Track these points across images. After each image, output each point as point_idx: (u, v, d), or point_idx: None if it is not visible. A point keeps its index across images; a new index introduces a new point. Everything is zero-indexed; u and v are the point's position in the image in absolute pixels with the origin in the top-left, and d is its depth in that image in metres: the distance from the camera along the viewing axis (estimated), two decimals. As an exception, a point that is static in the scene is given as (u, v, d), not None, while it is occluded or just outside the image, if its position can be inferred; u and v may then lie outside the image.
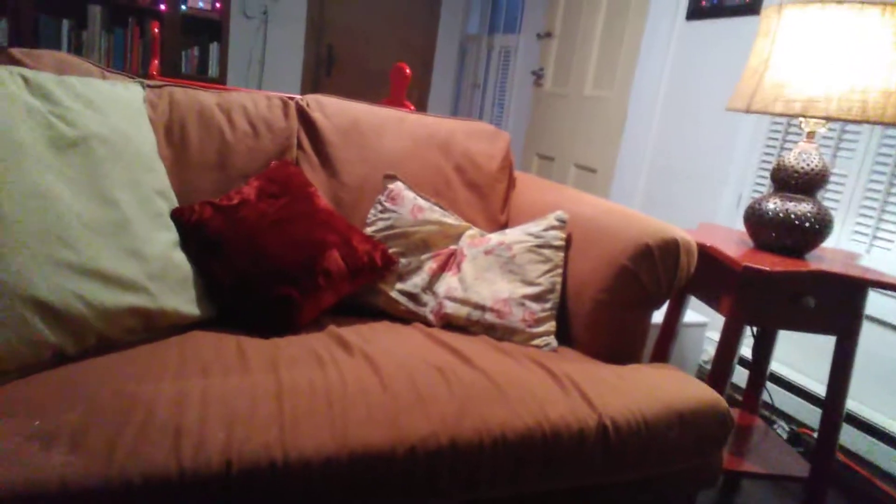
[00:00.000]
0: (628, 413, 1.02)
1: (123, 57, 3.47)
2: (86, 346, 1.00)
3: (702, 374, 2.23)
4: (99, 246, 1.03)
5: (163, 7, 3.44)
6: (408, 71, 1.92)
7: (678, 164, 2.57)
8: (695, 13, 2.53)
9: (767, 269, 1.28)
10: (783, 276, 1.35)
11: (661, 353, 1.68)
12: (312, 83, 4.39)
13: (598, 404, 1.02)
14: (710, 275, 1.49)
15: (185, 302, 1.16)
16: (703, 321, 2.05)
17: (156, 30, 2.45)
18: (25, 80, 1.06)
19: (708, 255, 1.48)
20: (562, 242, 1.41)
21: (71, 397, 0.85)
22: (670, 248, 1.25)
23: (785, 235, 1.42)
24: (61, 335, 0.95)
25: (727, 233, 1.69)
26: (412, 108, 1.94)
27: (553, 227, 1.42)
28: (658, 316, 1.90)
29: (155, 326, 1.11)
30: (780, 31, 1.40)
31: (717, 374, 1.39)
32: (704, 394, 1.11)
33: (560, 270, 1.39)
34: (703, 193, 2.43)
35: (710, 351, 2.27)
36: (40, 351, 0.93)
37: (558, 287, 1.37)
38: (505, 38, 4.21)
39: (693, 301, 2.39)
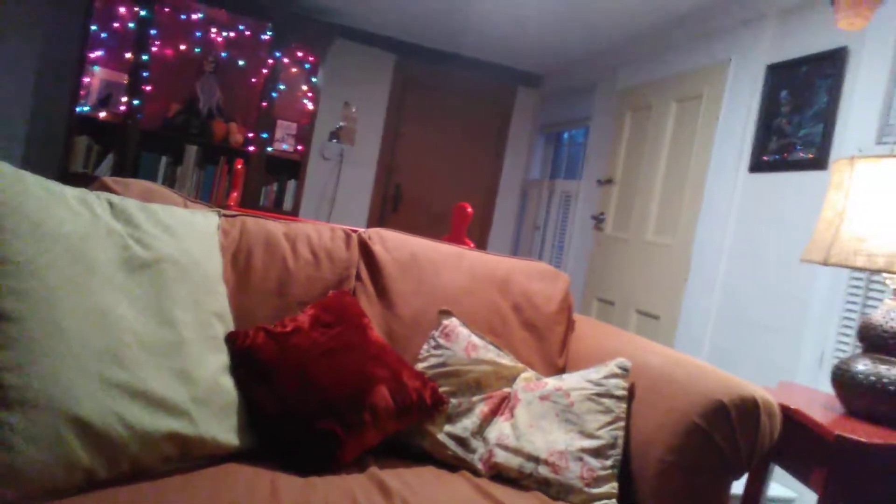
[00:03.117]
0: None
1: (210, 190, 3.78)
2: (118, 472, 0.96)
3: (789, 559, 1.93)
4: (151, 367, 1.02)
5: (251, 148, 3.79)
6: (469, 209, 1.97)
7: (749, 313, 2.45)
8: (757, 166, 2.54)
9: (864, 440, 1.13)
10: (882, 450, 1.18)
11: (742, 530, 1.47)
12: (379, 219, 4.60)
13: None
14: (797, 443, 1.33)
15: (225, 430, 1.12)
16: (790, 496, 1.81)
17: (239, 166, 2.67)
18: (111, 204, 1.13)
19: (793, 420, 1.33)
20: (624, 392, 1.30)
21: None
22: (749, 408, 1.13)
23: (879, 402, 1.27)
24: (96, 457, 0.91)
25: (811, 394, 1.54)
26: (472, 245, 1.96)
27: (615, 375, 1.33)
28: (738, 487, 1.70)
29: (191, 455, 1.07)
30: (853, 184, 1.36)
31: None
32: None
33: (622, 423, 1.27)
34: (779, 348, 2.27)
35: (797, 530, 1.98)
36: (72, 473, 0.89)
37: (620, 442, 1.25)
38: (566, 184, 4.34)
39: (778, 472, 2.14)
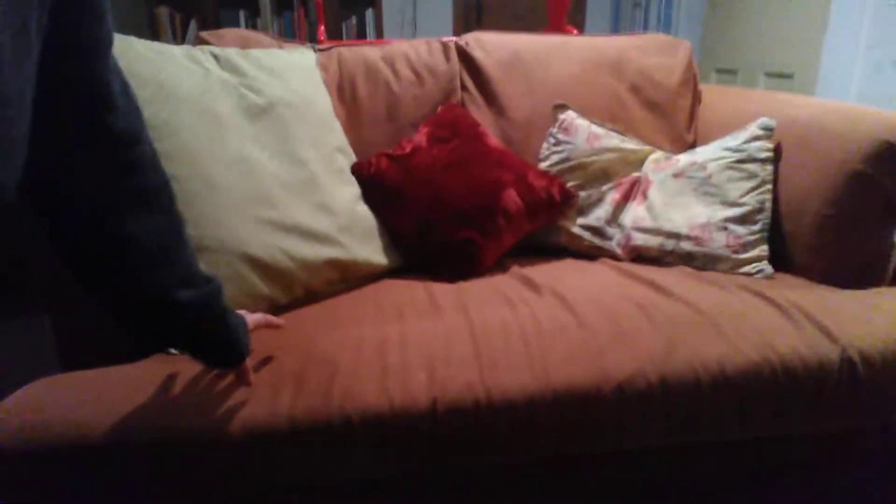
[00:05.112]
0: (881, 345, 0.85)
1: (293, 35, 3.72)
2: (294, 297, 1.08)
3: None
4: (295, 204, 1.09)
5: (319, -18, 3.59)
6: (566, -8, 1.77)
7: (907, 50, 2.10)
8: None
9: None
10: None
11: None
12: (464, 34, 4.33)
13: (839, 335, 0.86)
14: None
15: (373, 252, 1.20)
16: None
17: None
18: (216, 57, 1.14)
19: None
20: (769, 154, 1.21)
21: (289, 345, 0.91)
22: (922, 144, 1.00)
23: None
24: (273, 287, 1.03)
25: None
26: (575, 31, 1.79)
27: (756, 138, 1.23)
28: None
29: (350, 277, 1.17)
30: None
31: None
32: (984, 318, 0.89)
33: (769, 187, 1.20)
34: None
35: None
36: (258, 303, 1.02)
37: (768, 206, 1.19)
38: (667, -56, 3.75)
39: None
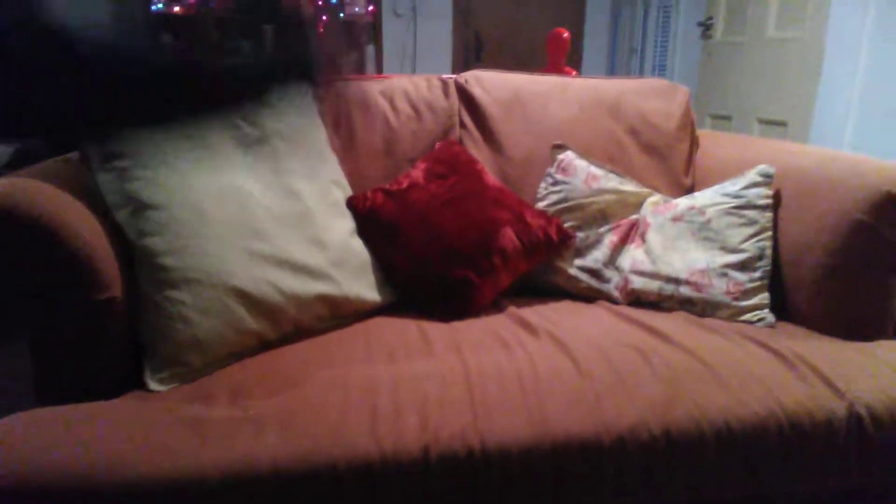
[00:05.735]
0: (888, 400, 0.82)
1: (292, 68, 3.76)
2: (284, 333, 1.04)
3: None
4: (287, 236, 1.06)
5: (324, 17, 3.65)
6: (566, 34, 1.79)
7: (899, 102, 2.14)
8: (913, -84, 2.07)
9: None
10: None
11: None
12: (463, 71, 4.39)
13: (846, 390, 0.83)
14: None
15: (366, 288, 1.17)
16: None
17: (321, 29, 2.59)
18: (213, 85, 1.13)
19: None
20: (768, 201, 1.20)
21: (275, 382, 0.87)
22: (924, 195, 1.00)
23: None
24: (262, 322, 0.99)
25: None
26: (574, 73, 1.81)
27: (756, 185, 1.22)
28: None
29: (341, 313, 1.13)
30: None
31: None
32: None
33: (769, 234, 1.18)
34: (939, 134, 1.99)
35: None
36: (245, 337, 0.98)
37: (768, 253, 1.17)
38: (663, -7, 3.85)
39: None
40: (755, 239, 1.18)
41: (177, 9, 3.53)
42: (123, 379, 0.90)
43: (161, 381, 0.90)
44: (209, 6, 3.50)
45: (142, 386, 0.90)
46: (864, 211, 1.02)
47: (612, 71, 4.58)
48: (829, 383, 0.85)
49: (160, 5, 3.51)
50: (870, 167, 1.07)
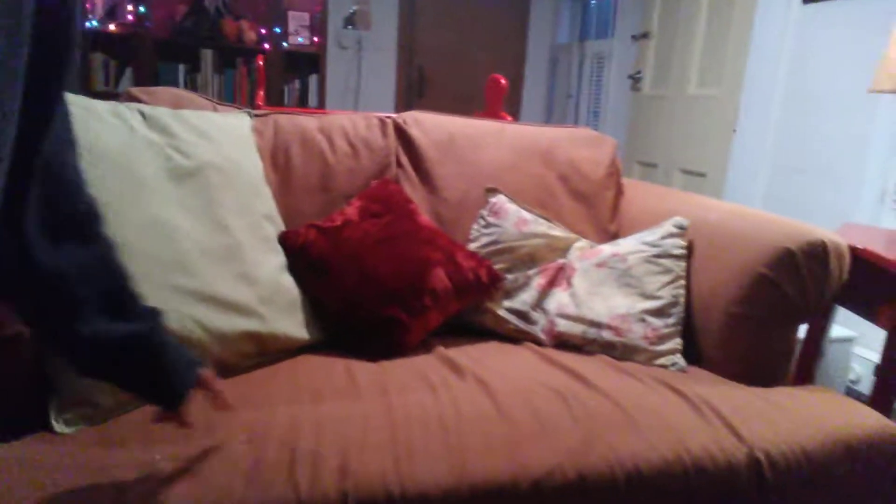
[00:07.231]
0: (784, 445, 0.88)
1: (233, 94, 3.69)
2: (204, 372, 1.01)
3: (851, 397, 1.97)
4: (215, 272, 1.04)
5: (266, 46, 3.63)
6: (503, 81, 1.87)
7: (805, 161, 2.33)
8: (814, -5, 2.30)
9: (941, 272, 1.09)
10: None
11: (805, 373, 1.49)
12: (406, 106, 4.46)
13: (747, 435, 0.89)
14: (863, 282, 1.30)
15: (294, 325, 1.16)
16: (849, 335, 1.81)
17: (261, 62, 2.57)
18: (143, 115, 1.11)
19: (860, 259, 1.29)
20: (682, 251, 1.28)
21: (189, 427, 0.84)
22: (817, 253, 1.09)
23: (956, 233, 1.22)
24: (181, 361, 0.96)
25: (876, 233, 1.48)
26: (510, 118, 1.88)
27: (671, 235, 1.30)
28: (800, 330, 1.70)
29: (267, 351, 1.11)
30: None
31: (880, 396, 1.20)
32: (874, 421, 0.95)
33: (682, 282, 1.26)
34: (838, 191, 2.18)
35: (858, 369, 2.00)
36: (162, 377, 0.94)
37: (682, 300, 1.25)
38: (597, 44, 4.07)
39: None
40: (671, 286, 1.25)
41: (112, 27, 3.43)
42: (27, 420, 0.85)
43: (66, 423, 0.85)
44: (146, 25, 3.41)
45: (46, 427, 0.85)
46: (766, 265, 1.11)
47: (550, 111, 4.77)
48: (731, 428, 0.90)
49: (95, 22, 3.40)
50: (772, 224, 1.17)
